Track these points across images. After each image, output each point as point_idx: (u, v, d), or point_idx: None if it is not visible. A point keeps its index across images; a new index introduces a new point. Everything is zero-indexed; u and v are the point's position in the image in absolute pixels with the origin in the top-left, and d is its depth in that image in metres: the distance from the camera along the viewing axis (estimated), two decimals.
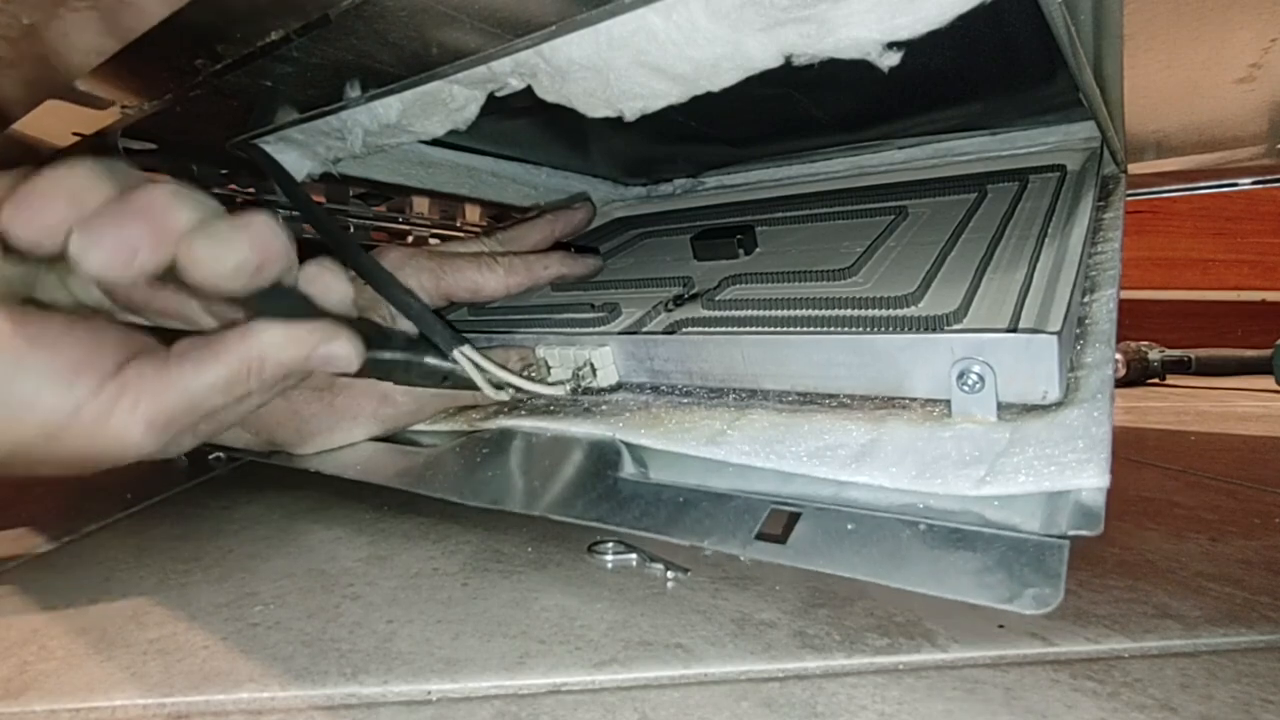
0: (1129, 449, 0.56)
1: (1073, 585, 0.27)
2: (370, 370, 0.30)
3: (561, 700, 0.19)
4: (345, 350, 0.26)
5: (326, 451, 0.37)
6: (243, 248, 0.23)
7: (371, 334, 0.29)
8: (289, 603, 0.25)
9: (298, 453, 0.37)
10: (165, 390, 0.23)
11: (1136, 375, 1.16)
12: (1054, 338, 0.23)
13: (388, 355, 0.30)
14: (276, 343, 0.25)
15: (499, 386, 0.33)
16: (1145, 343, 1.21)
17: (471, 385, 0.32)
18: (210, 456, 0.45)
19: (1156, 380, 1.19)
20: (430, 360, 0.31)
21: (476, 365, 0.32)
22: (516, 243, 0.44)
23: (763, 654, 0.22)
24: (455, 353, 0.32)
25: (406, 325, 0.33)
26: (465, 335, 0.33)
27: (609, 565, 0.29)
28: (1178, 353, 1.22)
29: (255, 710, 0.19)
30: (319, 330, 0.26)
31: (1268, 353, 1.13)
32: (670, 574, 0.27)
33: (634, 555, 0.29)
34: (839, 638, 0.23)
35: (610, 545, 0.29)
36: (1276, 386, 1.06)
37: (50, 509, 0.26)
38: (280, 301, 0.26)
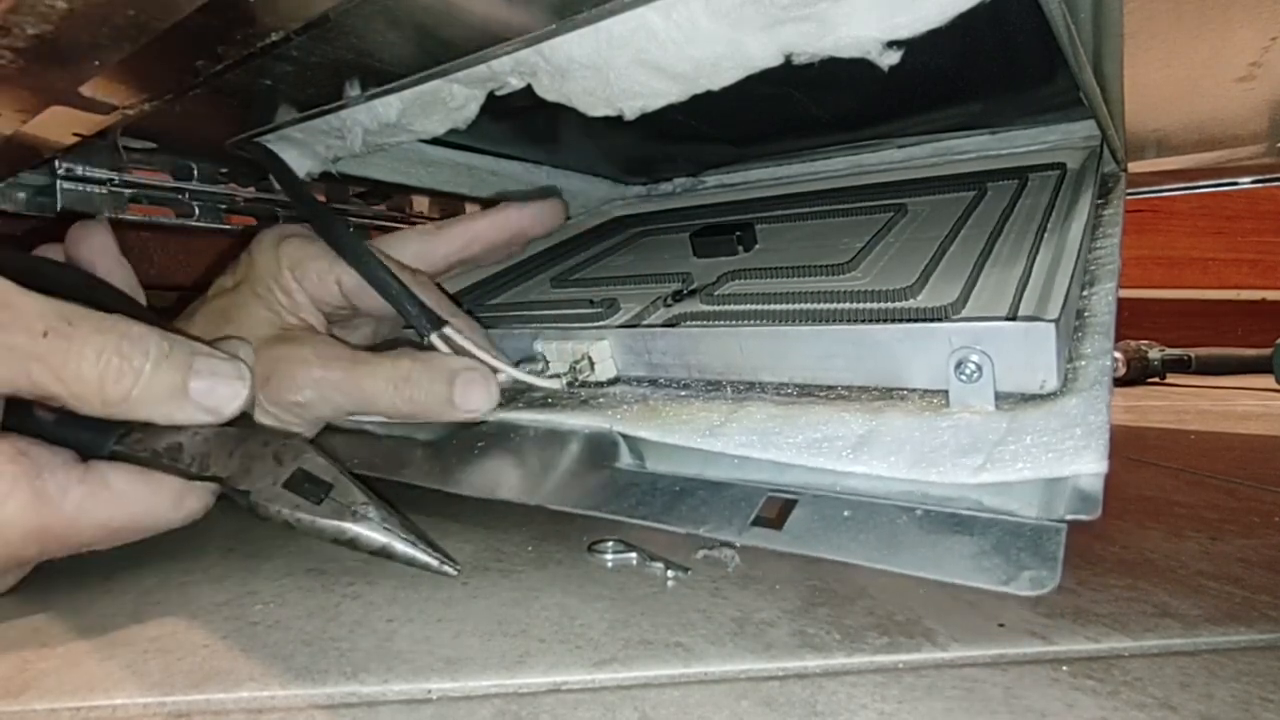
0: (1129, 448, 0.56)
1: (1073, 584, 0.27)
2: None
3: (561, 699, 0.19)
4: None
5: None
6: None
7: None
8: (289, 601, 0.26)
9: None
10: None
11: (1136, 374, 1.16)
12: (1052, 325, 0.23)
13: None
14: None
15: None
16: (1145, 341, 1.20)
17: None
18: None
19: (1156, 379, 1.19)
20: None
21: (460, 350, 0.32)
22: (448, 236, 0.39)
23: (763, 653, 0.22)
24: (433, 337, 0.32)
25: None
26: (446, 320, 0.32)
27: (609, 564, 0.28)
28: (1178, 351, 1.22)
29: (255, 709, 0.19)
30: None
31: (1268, 351, 1.12)
32: (670, 573, 0.27)
33: (634, 554, 0.29)
34: (839, 637, 0.23)
35: (610, 544, 0.29)
36: (1277, 385, 1.06)
37: None
38: None
